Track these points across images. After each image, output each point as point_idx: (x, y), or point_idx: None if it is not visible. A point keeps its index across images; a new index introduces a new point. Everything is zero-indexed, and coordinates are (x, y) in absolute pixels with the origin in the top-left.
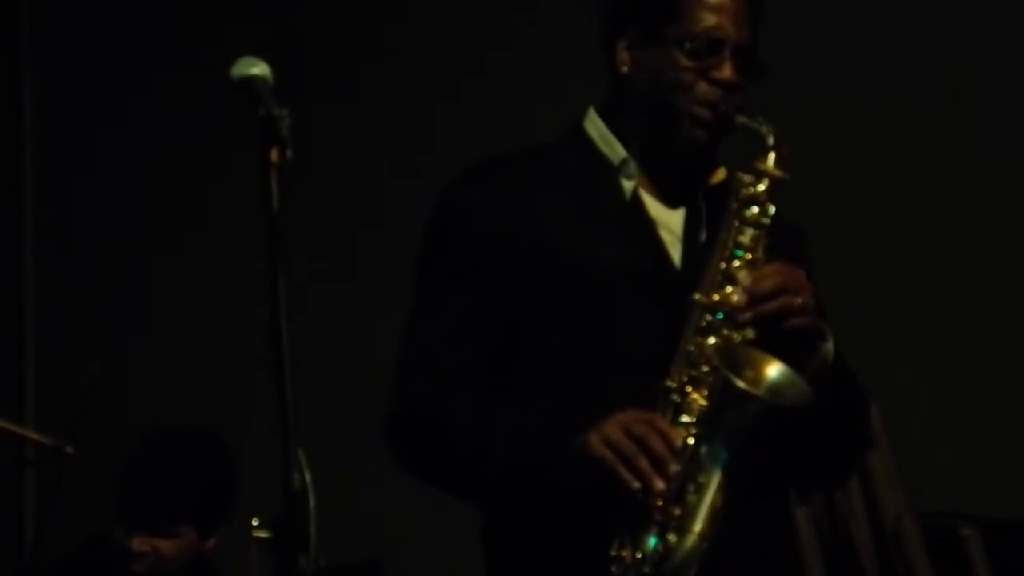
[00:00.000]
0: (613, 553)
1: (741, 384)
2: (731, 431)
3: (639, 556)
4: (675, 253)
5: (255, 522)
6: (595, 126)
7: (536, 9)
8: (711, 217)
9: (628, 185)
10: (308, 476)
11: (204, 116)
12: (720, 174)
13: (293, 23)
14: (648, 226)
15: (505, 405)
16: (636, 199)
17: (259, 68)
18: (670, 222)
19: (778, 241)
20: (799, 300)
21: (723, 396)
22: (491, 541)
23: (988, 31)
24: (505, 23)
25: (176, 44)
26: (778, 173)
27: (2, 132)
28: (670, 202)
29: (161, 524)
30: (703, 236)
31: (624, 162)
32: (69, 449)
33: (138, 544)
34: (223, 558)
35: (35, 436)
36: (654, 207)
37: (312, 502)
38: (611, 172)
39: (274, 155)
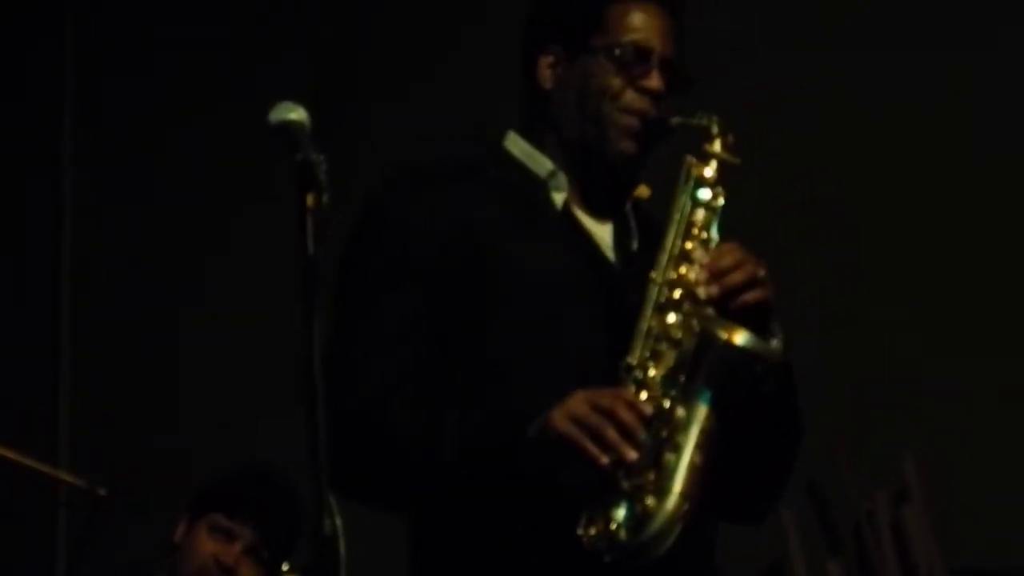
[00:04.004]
0: (580, 532)
1: (721, 333)
2: (707, 384)
3: (612, 527)
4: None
5: (285, 567)
6: (517, 145)
7: None
8: (641, 231)
9: (559, 197)
10: (339, 521)
11: (239, 159)
12: (644, 191)
13: (334, 63)
14: (583, 234)
15: (451, 407)
16: (567, 210)
17: (297, 113)
18: (599, 234)
19: None
20: (761, 272)
21: (699, 353)
22: (428, 549)
23: (988, 31)
24: None
25: (216, 80)
26: (726, 155)
27: (42, 166)
28: (598, 215)
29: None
30: (634, 246)
31: (552, 174)
32: (102, 491)
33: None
34: None
35: (68, 478)
36: (584, 219)
37: (343, 548)
38: (539, 185)
39: (311, 200)
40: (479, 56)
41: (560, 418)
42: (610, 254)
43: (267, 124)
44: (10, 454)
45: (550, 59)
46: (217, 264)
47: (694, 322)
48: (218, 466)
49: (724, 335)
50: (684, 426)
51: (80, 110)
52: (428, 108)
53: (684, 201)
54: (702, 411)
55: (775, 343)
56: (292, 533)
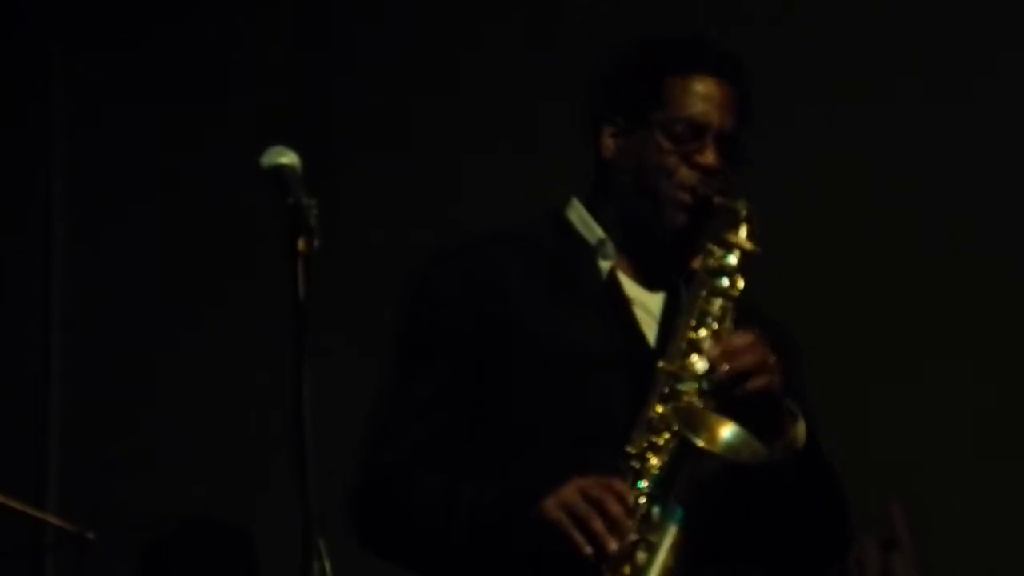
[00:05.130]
0: None
1: (697, 440)
2: (686, 490)
3: None
4: (650, 334)
5: None
6: (576, 212)
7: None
8: None
9: (605, 265)
10: (328, 566)
11: (230, 204)
12: (699, 262)
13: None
14: (623, 306)
15: (471, 478)
16: (612, 279)
17: (288, 157)
18: (648, 304)
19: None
20: (768, 360)
21: (678, 454)
22: None
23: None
24: (528, 107)
25: (205, 126)
26: (748, 245)
27: (31, 210)
28: (649, 285)
29: None
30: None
31: (602, 243)
32: (90, 535)
33: None
34: None
35: (56, 521)
36: (632, 288)
37: None
38: (589, 253)
39: (302, 244)
40: (473, 104)
41: (552, 505)
42: (654, 325)
43: (259, 168)
44: None
45: (612, 129)
46: (212, 311)
47: (675, 424)
48: (209, 511)
49: (700, 442)
50: (660, 527)
51: (67, 162)
52: (420, 157)
53: (701, 290)
54: (676, 519)
55: (798, 426)
56: None
